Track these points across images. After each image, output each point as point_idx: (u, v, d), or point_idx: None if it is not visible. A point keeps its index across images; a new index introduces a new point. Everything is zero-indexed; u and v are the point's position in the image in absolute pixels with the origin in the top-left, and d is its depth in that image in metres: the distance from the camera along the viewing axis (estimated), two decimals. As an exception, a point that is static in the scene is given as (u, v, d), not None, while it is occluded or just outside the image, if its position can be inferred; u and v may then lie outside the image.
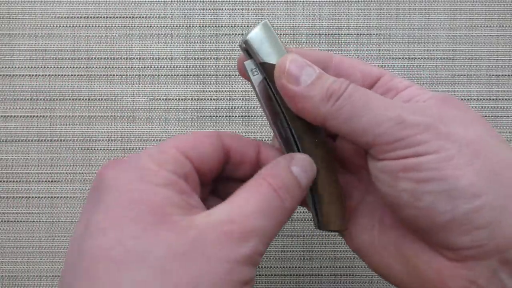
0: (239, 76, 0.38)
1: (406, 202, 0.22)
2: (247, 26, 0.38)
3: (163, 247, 0.19)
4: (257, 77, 0.25)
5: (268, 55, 0.23)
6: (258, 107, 0.38)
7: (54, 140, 0.38)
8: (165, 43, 0.38)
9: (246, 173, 0.25)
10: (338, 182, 0.25)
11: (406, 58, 0.38)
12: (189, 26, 0.38)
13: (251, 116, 0.38)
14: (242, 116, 0.38)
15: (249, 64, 0.25)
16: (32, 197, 0.39)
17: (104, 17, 0.38)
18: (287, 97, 0.23)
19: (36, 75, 0.38)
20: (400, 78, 0.26)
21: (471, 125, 0.22)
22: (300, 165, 0.23)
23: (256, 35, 0.24)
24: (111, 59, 0.38)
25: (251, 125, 0.39)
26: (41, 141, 0.38)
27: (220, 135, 0.24)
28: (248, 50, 0.24)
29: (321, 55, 0.25)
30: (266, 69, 0.24)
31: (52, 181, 0.39)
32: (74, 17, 0.38)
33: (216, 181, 0.26)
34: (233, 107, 0.38)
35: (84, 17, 0.38)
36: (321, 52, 0.26)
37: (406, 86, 0.25)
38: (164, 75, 0.38)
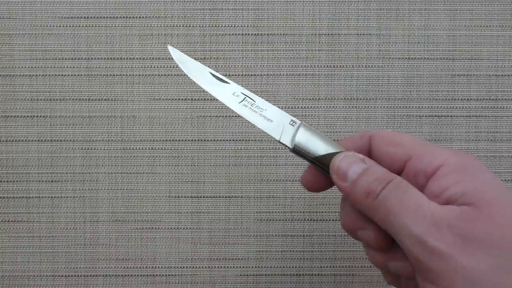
0: (239, 76, 0.38)
1: None
2: (247, 26, 0.38)
3: None
4: None
5: (316, 150, 0.26)
6: (258, 107, 0.38)
7: (54, 140, 0.39)
8: (165, 43, 0.38)
9: None
10: None
11: (406, 58, 0.38)
12: (189, 26, 0.38)
13: (251, 116, 0.38)
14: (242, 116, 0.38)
15: None
16: (32, 197, 0.39)
17: (104, 17, 0.38)
18: (341, 190, 0.25)
19: (36, 75, 0.38)
20: (428, 149, 0.25)
21: (496, 249, 0.21)
22: None
23: (300, 138, 0.27)
24: (111, 59, 0.38)
25: (251, 125, 0.38)
26: (41, 141, 0.38)
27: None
28: (298, 152, 0.27)
29: (361, 142, 0.27)
30: (320, 162, 0.26)
31: (52, 181, 0.39)
32: (74, 17, 0.38)
33: None
34: (233, 107, 0.38)
35: (84, 17, 0.38)
36: (361, 137, 0.27)
37: (433, 170, 0.24)
38: (164, 75, 0.38)
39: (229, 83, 0.28)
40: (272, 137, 0.27)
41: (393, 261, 0.25)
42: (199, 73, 0.29)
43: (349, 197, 0.25)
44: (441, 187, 0.23)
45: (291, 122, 0.27)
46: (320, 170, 0.27)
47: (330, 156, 0.26)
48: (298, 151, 0.27)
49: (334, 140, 0.27)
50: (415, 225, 0.22)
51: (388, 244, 0.25)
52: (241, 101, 0.28)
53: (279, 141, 0.27)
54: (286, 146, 0.27)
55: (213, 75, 0.29)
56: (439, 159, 0.24)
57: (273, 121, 0.28)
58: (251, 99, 0.28)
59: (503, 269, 0.21)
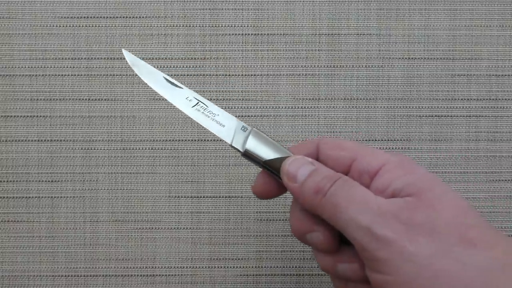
0: (239, 76, 0.38)
1: None
2: (247, 26, 0.38)
3: None
4: None
5: (267, 154, 0.27)
6: (258, 107, 0.38)
7: (54, 140, 0.39)
8: (165, 43, 0.38)
9: None
10: None
11: (406, 58, 0.38)
12: (189, 26, 0.38)
13: (251, 116, 0.38)
14: (242, 116, 0.38)
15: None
16: (32, 197, 0.39)
17: (104, 17, 0.38)
18: (291, 192, 0.26)
19: (36, 75, 0.38)
20: (370, 152, 0.26)
21: (439, 234, 0.22)
22: None
23: (251, 143, 0.28)
24: (111, 59, 0.38)
25: (252, 125, 0.39)
26: (41, 141, 0.38)
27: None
28: (249, 156, 0.28)
29: (309, 147, 0.28)
30: (269, 165, 0.28)
31: (52, 181, 0.39)
32: (74, 17, 0.38)
33: None
34: (233, 107, 0.38)
35: (84, 17, 0.38)
36: (309, 143, 0.28)
37: (376, 169, 0.25)
38: (164, 75, 0.38)
39: (182, 88, 0.29)
40: (224, 140, 0.28)
41: (341, 263, 0.26)
42: (152, 77, 0.30)
43: (299, 198, 0.26)
44: (385, 183, 0.25)
45: (243, 128, 0.29)
46: (271, 175, 0.28)
47: (279, 160, 0.27)
48: (249, 155, 0.28)
49: (284, 147, 0.28)
50: (363, 217, 0.23)
51: (336, 246, 0.26)
52: (194, 106, 0.29)
53: (230, 145, 0.28)
54: (237, 150, 0.28)
55: (167, 79, 0.29)
56: (381, 159, 0.25)
57: (225, 125, 0.29)
58: (204, 104, 0.29)
59: (444, 252, 0.22)
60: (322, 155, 0.27)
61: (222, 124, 0.29)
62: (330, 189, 0.25)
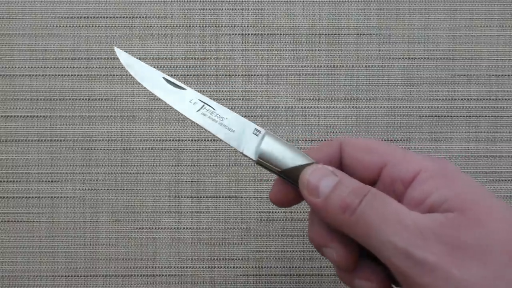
0: (239, 76, 0.38)
1: None
2: (247, 26, 0.38)
3: None
4: None
5: (283, 162, 0.24)
6: (258, 107, 0.38)
7: (54, 140, 0.39)
8: (165, 43, 0.38)
9: None
10: None
11: (406, 58, 0.38)
12: (189, 26, 0.38)
13: (251, 116, 0.38)
14: (242, 116, 0.38)
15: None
16: (32, 197, 0.39)
17: (104, 17, 0.38)
18: (311, 207, 0.24)
19: (36, 75, 0.38)
20: (405, 156, 0.24)
21: (489, 256, 0.20)
22: None
23: (264, 150, 0.25)
24: (111, 59, 0.38)
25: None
26: (41, 141, 0.38)
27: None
28: (263, 165, 0.25)
29: (331, 150, 0.25)
30: (286, 175, 0.24)
31: (52, 181, 0.39)
32: (74, 17, 0.38)
33: None
34: (233, 107, 0.38)
35: (84, 17, 0.38)
36: (330, 145, 0.25)
37: (411, 177, 0.23)
38: (164, 75, 0.38)
39: (185, 89, 0.26)
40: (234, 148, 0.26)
41: (359, 279, 0.24)
42: (150, 79, 0.27)
43: (321, 213, 0.23)
44: (422, 194, 0.22)
45: (255, 132, 0.26)
46: (288, 183, 0.25)
47: (298, 169, 0.24)
48: (262, 164, 0.25)
49: (301, 149, 0.25)
50: (399, 238, 0.20)
51: (353, 264, 0.24)
52: (199, 109, 0.26)
53: (241, 153, 0.25)
54: (249, 158, 0.25)
55: (167, 80, 0.27)
56: (416, 165, 0.23)
57: (235, 130, 0.26)
58: (211, 106, 0.26)
59: (497, 277, 0.19)
60: (348, 158, 0.24)
61: (232, 129, 0.26)
62: (359, 206, 0.22)
